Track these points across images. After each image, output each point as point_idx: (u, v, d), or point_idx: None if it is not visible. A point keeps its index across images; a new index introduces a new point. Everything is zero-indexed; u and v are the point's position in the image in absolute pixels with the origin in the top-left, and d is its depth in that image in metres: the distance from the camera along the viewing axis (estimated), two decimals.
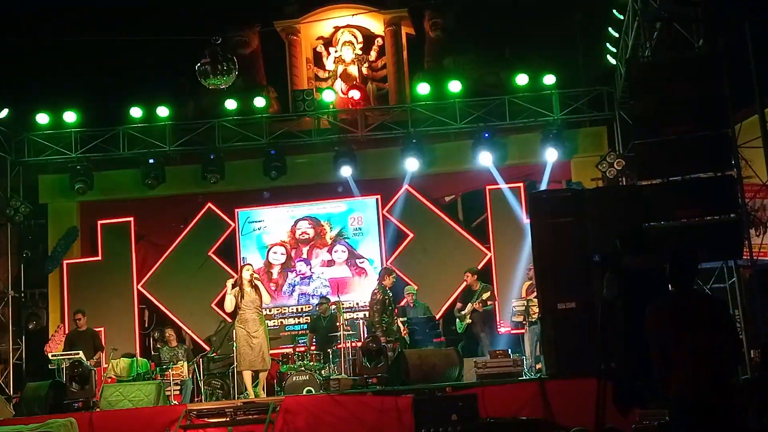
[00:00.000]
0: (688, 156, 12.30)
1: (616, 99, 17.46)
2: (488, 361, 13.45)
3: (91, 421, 12.77)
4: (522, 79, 17.93)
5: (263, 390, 14.03)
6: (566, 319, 11.83)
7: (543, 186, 17.62)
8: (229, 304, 14.03)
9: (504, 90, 18.27)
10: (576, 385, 11.17)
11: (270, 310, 17.18)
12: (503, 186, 17.92)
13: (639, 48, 14.63)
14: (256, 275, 14.15)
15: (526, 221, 16.61)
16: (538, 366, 14.11)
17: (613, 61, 16.98)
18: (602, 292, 8.47)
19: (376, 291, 15.09)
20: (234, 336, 14.14)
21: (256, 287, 13.93)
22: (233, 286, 14.00)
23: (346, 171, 18.05)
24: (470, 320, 15.68)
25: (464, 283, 16.24)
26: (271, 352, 14.57)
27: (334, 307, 16.29)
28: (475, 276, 16.05)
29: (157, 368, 15.49)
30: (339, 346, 15.52)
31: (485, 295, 15.63)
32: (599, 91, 17.95)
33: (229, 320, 17.38)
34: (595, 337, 8.28)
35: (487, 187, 18.10)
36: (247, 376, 13.87)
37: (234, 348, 14.17)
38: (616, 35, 16.08)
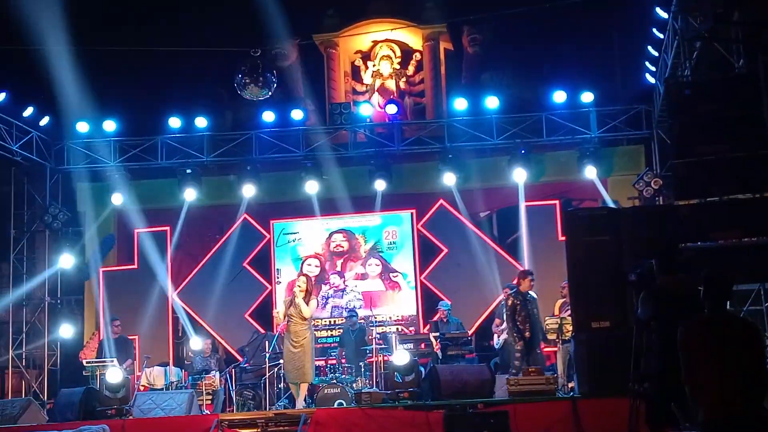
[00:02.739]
0: (726, 176, 12.19)
1: (654, 118, 17.38)
2: (520, 379, 13.40)
3: (124, 428, 12.81)
4: (560, 96, 17.89)
5: (303, 401, 13.93)
6: (600, 338, 11.76)
7: (609, 203, 17.37)
8: (280, 315, 14.08)
9: (541, 106, 18.24)
10: (608, 405, 11.09)
11: None
12: (522, 205, 17.83)
13: (678, 67, 14.56)
14: (299, 284, 14.00)
15: (560, 239, 16.54)
16: (570, 384, 14.02)
17: (651, 79, 16.91)
18: (637, 312, 8.41)
19: (507, 295, 14.73)
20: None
21: (308, 297, 13.84)
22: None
23: (380, 185, 18.07)
24: (507, 335, 15.61)
25: (499, 299, 16.17)
26: None
27: (363, 321, 16.30)
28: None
29: (190, 377, 15.56)
30: (370, 360, 15.51)
31: None
32: (637, 110, 17.87)
33: (263, 331, 17.50)
34: (629, 356, 8.22)
35: (523, 204, 18.05)
36: (293, 387, 13.88)
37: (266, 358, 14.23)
38: (656, 54, 16.02)
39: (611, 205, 17.15)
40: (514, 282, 16.13)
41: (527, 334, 13.98)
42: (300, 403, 13.77)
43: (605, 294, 11.78)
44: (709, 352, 6.26)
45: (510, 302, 14.28)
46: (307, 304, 13.60)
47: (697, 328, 6.40)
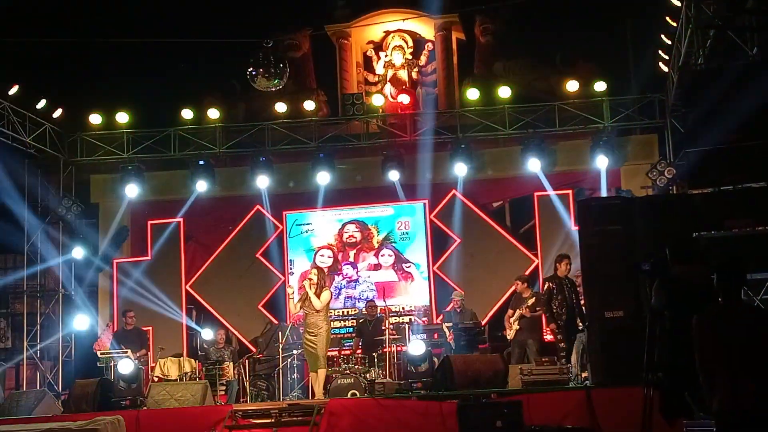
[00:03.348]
0: (740, 165, 12.17)
1: (667, 106, 17.30)
2: (534, 368, 13.38)
3: (138, 419, 12.86)
4: (572, 86, 17.84)
5: (321, 388, 13.97)
6: (613, 328, 11.74)
7: (603, 193, 17.45)
8: (293, 307, 14.14)
9: (554, 96, 18.19)
10: (622, 394, 11.08)
11: None
12: (551, 193, 17.81)
13: (692, 55, 14.49)
14: (311, 277, 14.09)
15: (574, 228, 16.51)
16: (584, 374, 14.01)
17: (665, 68, 16.83)
18: (650, 301, 8.38)
19: (544, 281, 14.74)
20: None
21: (320, 290, 13.91)
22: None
23: (393, 175, 18.05)
24: (518, 326, 15.59)
25: (512, 290, 16.15)
26: None
27: (380, 311, 16.32)
28: (525, 283, 15.91)
29: (204, 368, 15.61)
30: (384, 350, 15.54)
31: (530, 302, 15.55)
32: (650, 99, 17.80)
33: (276, 322, 17.54)
34: (643, 346, 8.20)
35: (536, 194, 18.01)
36: (313, 377, 13.95)
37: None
38: (669, 42, 15.94)
39: (604, 195, 17.18)
40: (525, 275, 16.12)
41: (564, 317, 13.92)
42: (319, 392, 13.80)
43: (618, 283, 11.76)
44: (723, 342, 6.24)
45: (546, 287, 14.27)
46: (319, 296, 13.75)
47: (711, 318, 6.38)
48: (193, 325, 18.17)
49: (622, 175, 18.09)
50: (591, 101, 17.89)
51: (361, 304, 17.40)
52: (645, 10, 16.84)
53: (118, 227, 19.00)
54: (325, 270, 15.23)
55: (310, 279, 13.90)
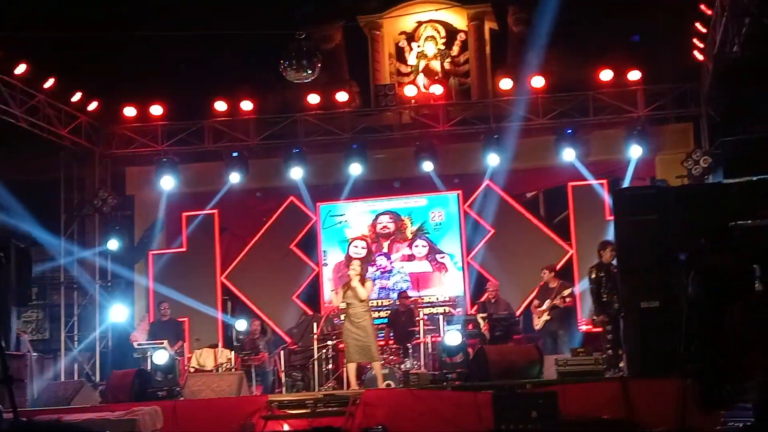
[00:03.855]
0: None
1: (702, 95, 17.18)
2: (569, 359, 13.36)
3: (175, 409, 12.96)
4: (606, 75, 17.73)
5: (382, 380, 13.97)
6: (649, 318, 11.70)
7: (626, 183, 17.40)
8: (335, 299, 14.17)
9: (588, 85, 18.08)
10: (658, 386, 11.05)
11: None
12: (592, 181, 17.73)
13: (727, 44, 14.37)
14: (355, 267, 14.16)
15: (609, 218, 16.43)
16: (620, 365, 13.95)
17: (699, 57, 16.71)
18: (687, 292, 8.34)
19: (590, 269, 14.19)
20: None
21: (361, 282, 13.98)
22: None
23: (427, 166, 18.03)
24: (549, 317, 15.56)
25: (543, 282, 16.11)
26: None
27: (412, 303, 16.34)
28: (553, 273, 15.88)
29: (239, 359, 15.70)
30: (417, 341, 15.56)
31: (566, 292, 15.51)
32: (685, 87, 17.66)
33: (310, 313, 17.61)
34: (679, 337, 8.16)
35: (570, 184, 17.95)
36: (351, 368, 13.98)
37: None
38: (704, 31, 15.81)
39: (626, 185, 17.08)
40: (552, 264, 16.03)
41: (616, 306, 13.49)
42: (381, 382, 13.82)
43: (654, 273, 11.72)
44: (763, 331, 6.21)
45: (593, 276, 13.90)
46: (363, 286, 13.75)
47: (750, 307, 6.35)
48: (226, 318, 18.24)
49: (657, 164, 17.98)
50: (625, 90, 17.77)
51: (395, 295, 17.41)
52: None
53: (153, 219, 19.10)
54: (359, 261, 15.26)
55: (354, 269, 13.98)
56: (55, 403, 13.97)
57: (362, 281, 13.94)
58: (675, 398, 8.25)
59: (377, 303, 18.13)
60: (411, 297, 16.78)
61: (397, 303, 16.64)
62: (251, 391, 14.56)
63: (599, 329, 14.74)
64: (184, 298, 17.97)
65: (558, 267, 16.48)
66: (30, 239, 16.83)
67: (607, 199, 17.17)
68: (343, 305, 14.24)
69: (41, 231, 17.65)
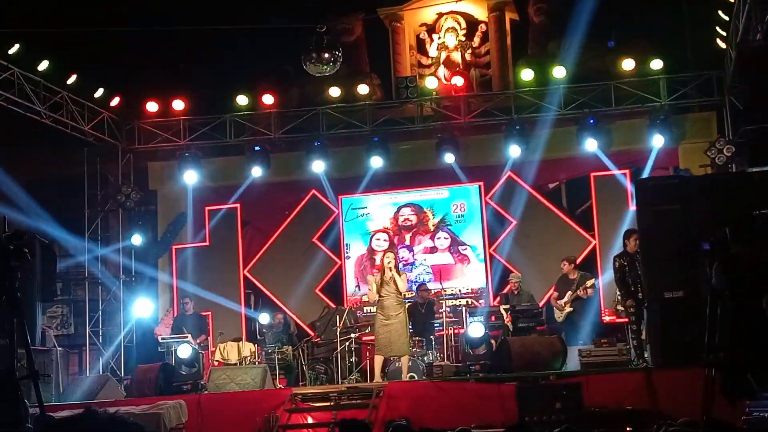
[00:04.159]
0: None
1: (725, 84, 17.05)
2: (593, 350, 13.33)
3: (200, 403, 13.05)
4: (628, 64, 17.62)
5: (406, 374, 13.98)
6: (673, 308, 11.67)
7: (647, 172, 17.31)
8: (369, 292, 14.18)
9: (610, 75, 17.98)
10: (683, 375, 11.01)
11: None
12: (615, 171, 17.64)
13: (750, 31, 14.25)
14: (391, 260, 14.10)
15: (631, 208, 16.36)
16: (645, 355, 13.91)
17: (722, 44, 16.58)
18: (711, 281, 8.30)
19: (615, 258, 14.10)
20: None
21: (397, 274, 13.95)
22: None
23: (449, 158, 17.99)
24: (571, 308, 15.52)
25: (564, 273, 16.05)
26: (373, 338, 14.62)
27: (433, 295, 16.33)
28: (572, 264, 15.83)
29: (263, 352, 15.74)
30: (439, 333, 15.54)
31: (588, 283, 15.47)
32: (708, 76, 17.53)
33: (333, 306, 17.63)
34: (703, 327, 8.13)
35: (592, 174, 17.88)
36: (378, 361, 13.96)
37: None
38: (726, 18, 15.69)
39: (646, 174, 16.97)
40: (572, 256, 15.97)
41: (640, 295, 13.40)
42: (405, 375, 13.83)
43: (678, 263, 11.68)
44: None
45: (617, 265, 13.83)
46: (401, 278, 13.80)
47: None
48: (249, 311, 18.29)
49: (680, 153, 17.87)
50: (647, 79, 17.66)
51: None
52: None
53: (176, 213, 19.17)
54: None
55: (391, 261, 13.91)
56: (80, 397, 14.08)
57: (399, 273, 13.91)
58: (699, 388, 8.20)
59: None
60: (431, 290, 16.75)
61: (416, 295, 16.61)
62: (275, 385, 14.61)
63: (623, 320, 14.72)
64: (206, 293, 18.04)
65: (578, 260, 16.41)
66: (54, 235, 16.91)
67: (630, 189, 17.08)
68: (375, 297, 14.15)
69: (65, 227, 17.73)
